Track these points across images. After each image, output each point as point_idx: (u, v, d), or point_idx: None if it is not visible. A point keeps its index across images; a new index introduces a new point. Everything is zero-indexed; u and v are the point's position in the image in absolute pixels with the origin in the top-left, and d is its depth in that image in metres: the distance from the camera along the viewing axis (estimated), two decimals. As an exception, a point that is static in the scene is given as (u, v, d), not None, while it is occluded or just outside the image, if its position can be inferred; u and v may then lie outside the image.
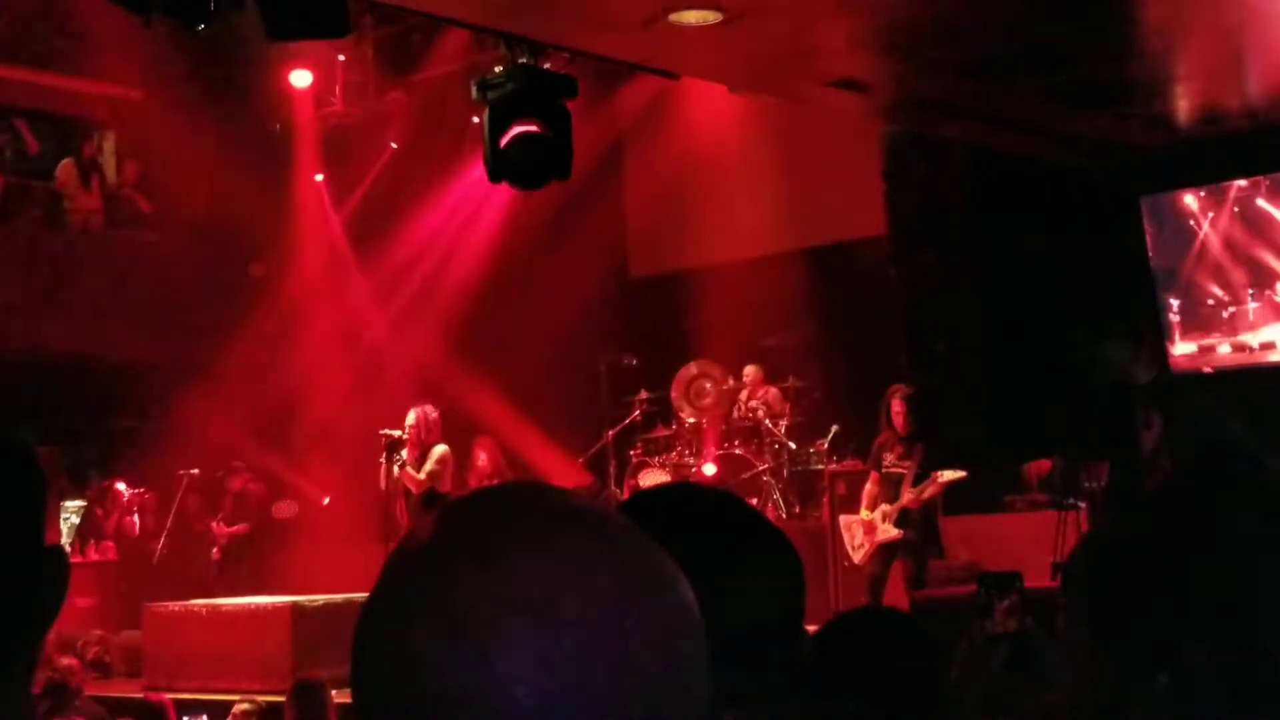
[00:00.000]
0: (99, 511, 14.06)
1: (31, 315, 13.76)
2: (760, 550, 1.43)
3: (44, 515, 1.12)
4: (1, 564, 1.06)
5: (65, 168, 15.10)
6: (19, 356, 12.97)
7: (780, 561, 1.44)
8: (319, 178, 14.87)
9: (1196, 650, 2.32)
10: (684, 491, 1.55)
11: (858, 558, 9.66)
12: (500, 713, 0.81)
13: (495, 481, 10.57)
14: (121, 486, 14.17)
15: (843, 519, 9.90)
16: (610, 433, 12.67)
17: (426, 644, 0.83)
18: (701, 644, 0.88)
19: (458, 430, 11.10)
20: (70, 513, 14.09)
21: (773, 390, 12.23)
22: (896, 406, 9.27)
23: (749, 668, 1.36)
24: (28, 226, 14.86)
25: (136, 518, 14.08)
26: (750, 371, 12.24)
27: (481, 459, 11.65)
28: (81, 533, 13.72)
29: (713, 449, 12.09)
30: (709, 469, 11.74)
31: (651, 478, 11.89)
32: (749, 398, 12.18)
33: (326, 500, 13.85)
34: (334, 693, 7.22)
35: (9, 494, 1.09)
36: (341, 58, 14.03)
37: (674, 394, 12.55)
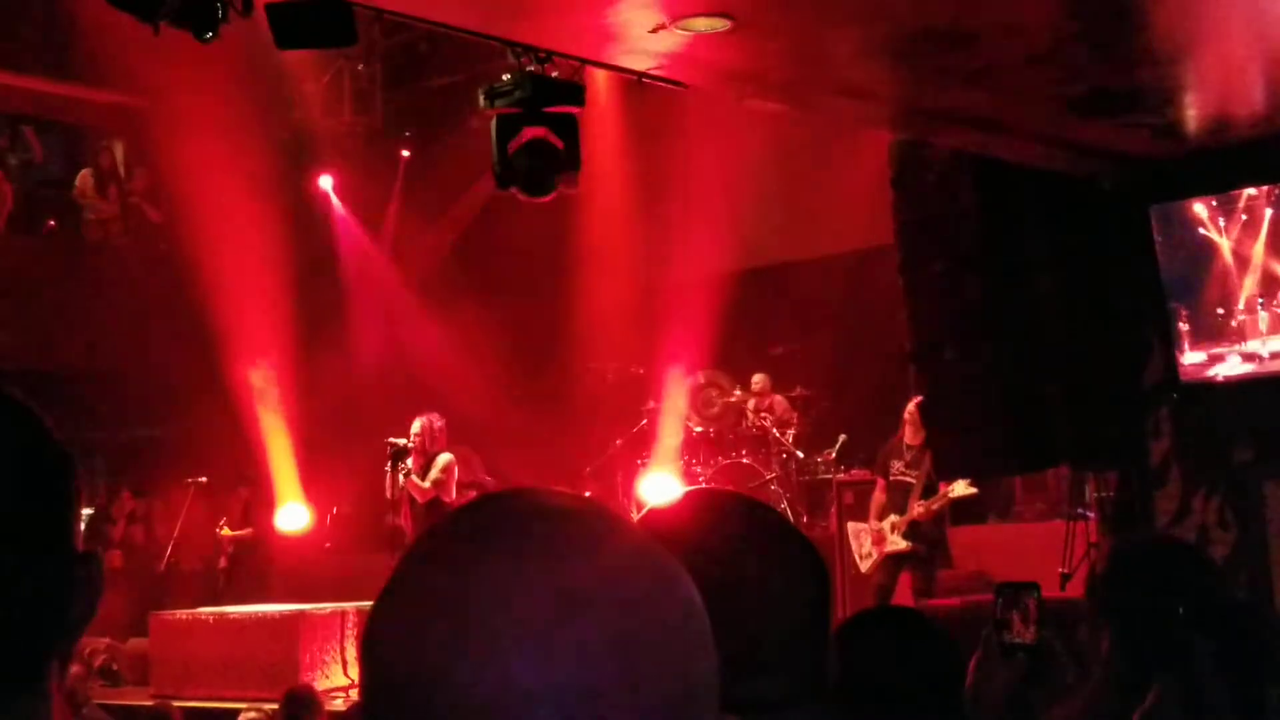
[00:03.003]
0: (104, 519, 14.07)
1: (41, 324, 13.78)
2: (784, 556, 1.42)
3: (76, 519, 1.12)
4: (31, 568, 1.05)
5: (84, 178, 15.13)
6: (28, 365, 12.98)
7: (804, 567, 1.43)
8: (327, 182, 14.88)
9: (1204, 653, 2.30)
10: (707, 498, 1.53)
11: (865, 567, 9.64)
12: (508, 707, 0.81)
13: (472, 491, 10.53)
14: (127, 495, 14.18)
15: (851, 526, 9.89)
16: (618, 441, 12.66)
17: (435, 643, 0.83)
18: (709, 647, 0.88)
19: (465, 439, 11.09)
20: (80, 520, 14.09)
21: (780, 399, 12.21)
22: (910, 409, 9.26)
23: (772, 673, 1.35)
24: (40, 236, 14.90)
25: (142, 526, 14.09)
26: (758, 380, 12.23)
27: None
28: (88, 542, 13.72)
29: (719, 459, 12.07)
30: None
31: (658, 488, 11.87)
32: (757, 407, 12.16)
33: (334, 510, 13.85)
34: (338, 702, 7.22)
35: (42, 496, 1.08)
36: (363, 63, 14.05)
37: (682, 403, 12.54)
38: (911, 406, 9.24)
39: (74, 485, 1.12)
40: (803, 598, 1.41)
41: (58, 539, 1.08)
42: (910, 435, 9.34)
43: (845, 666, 2.29)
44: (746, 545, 1.39)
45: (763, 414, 12.08)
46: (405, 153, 14.79)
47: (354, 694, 8.65)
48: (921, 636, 2.38)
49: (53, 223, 15.23)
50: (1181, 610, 2.39)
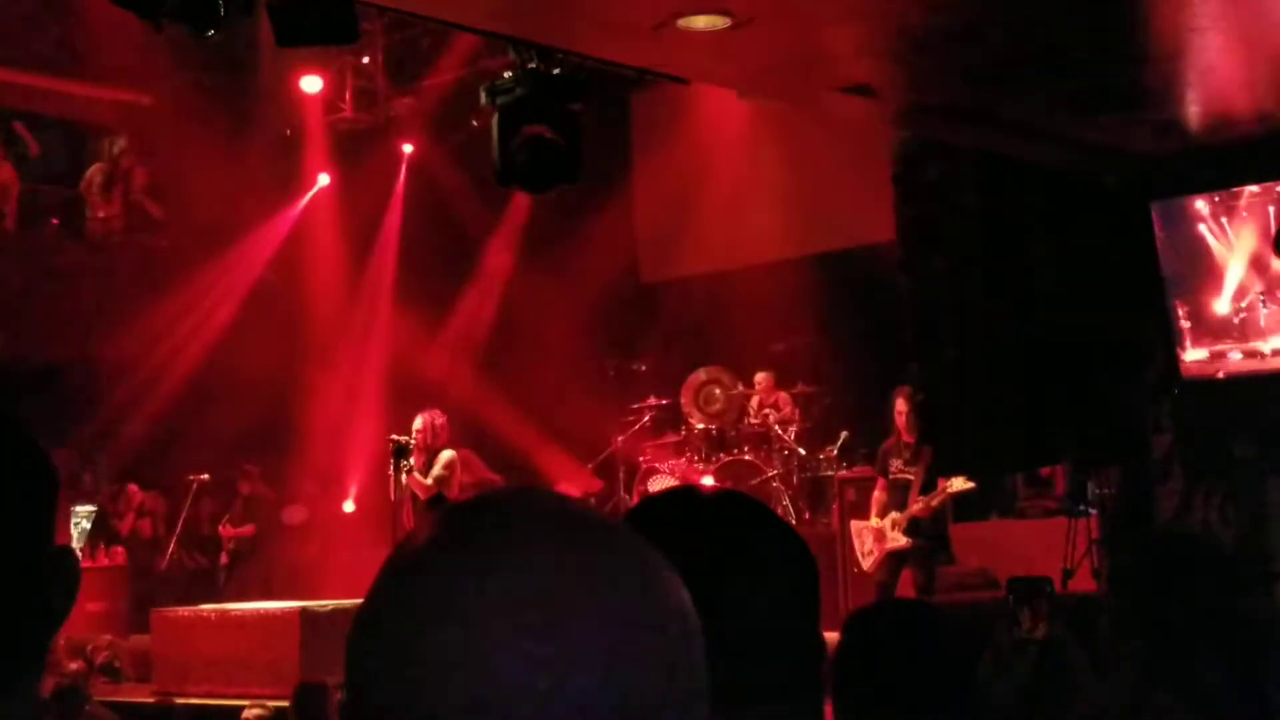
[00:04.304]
0: (112, 514, 14.08)
1: (43, 320, 13.79)
2: (768, 546, 1.42)
3: (52, 514, 1.11)
4: (7, 564, 1.05)
5: (93, 173, 15.13)
6: (29, 361, 12.99)
7: (789, 556, 1.43)
8: (324, 179, 14.88)
9: (1204, 653, 2.30)
10: (691, 493, 1.54)
11: (866, 565, 9.63)
12: (494, 707, 0.81)
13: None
14: (134, 488, 14.20)
15: (853, 524, 9.88)
16: (619, 439, 12.66)
17: (423, 645, 0.82)
18: (698, 646, 0.88)
19: (467, 437, 11.10)
20: (81, 517, 14.11)
21: (783, 396, 12.20)
22: (900, 406, 9.27)
23: (763, 663, 1.35)
24: (42, 232, 14.91)
25: (149, 520, 14.11)
26: (761, 378, 12.22)
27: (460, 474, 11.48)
28: (92, 537, 13.74)
29: (720, 456, 12.06)
30: (706, 481, 11.68)
31: (660, 484, 11.87)
32: (759, 404, 12.16)
33: (350, 508, 13.83)
34: (339, 695, 7.22)
35: (14, 491, 1.07)
36: (366, 60, 14.04)
37: (683, 400, 12.53)
38: (901, 403, 9.27)
39: (48, 481, 1.11)
40: (788, 587, 1.41)
41: (31, 535, 1.08)
42: (905, 433, 9.35)
43: (853, 660, 2.29)
44: (730, 537, 1.39)
45: (766, 411, 12.07)
46: (407, 148, 14.79)
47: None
48: (930, 629, 2.36)
49: (55, 220, 15.23)
50: (1185, 613, 2.38)
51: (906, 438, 9.35)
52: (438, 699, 0.81)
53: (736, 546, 1.38)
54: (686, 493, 1.52)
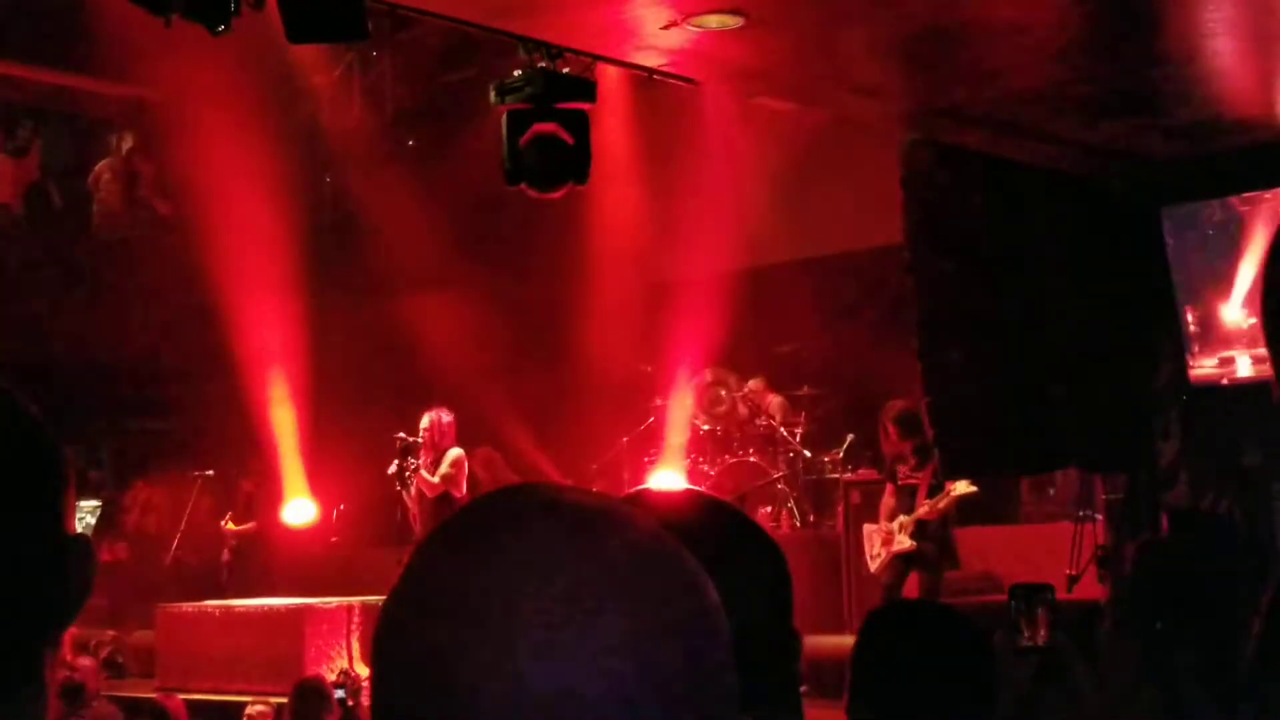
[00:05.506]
0: (120, 509, 14.10)
1: (47, 315, 13.80)
2: (745, 549, 1.41)
3: (67, 501, 1.11)
4: (26, 552, 1.04)
5: (101, 169, 15.15)
6: (34, 357, 13.00)
7: (764, 557, 1.41)
8: (327, 180, 14.91)
9: (1184, 655, 2.29)
10: (664, 497, 1.53)
11: (873, 567, 9.64)
12: (521, 706, 0.80)
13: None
14: (141, 484, 14.24)
15: (865, 527, 9.87)
16: (624, 439, 12.65)
17: (449, 639, 0.81)
18: (725, 644, 0.87)
19: (472, 435, 11.09)
20: (85, 513, 14.11)
21: (776, 399, 12.20)
22: (891, 430, 9.33)
23: (748, 668, 1.34)
24: (47, 227, 14.93)
25: (155, 516, 14.14)
26: (754, 382, 12.22)
27: (481, 474, 11.56)
28: (96, 533, 13.74)
29: (725, 457, 12.05)
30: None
31: (662, 485, 11.85)
32: (756, 408, 12.15)
33: (341, 505, 13.85)
34: (338, 692, 7.24)
35: (33, 478, 1.07)
36: (374, 55, 14.05)
37: (688, 401, 12.52)
38: (890, 428, 9.31)
39: (63, 470, 1.11)
40: (766, 592, 1.39)
41: (47, 524, 1.07)
42: (905, 440, 9.36)
43: (871, 660, 2.27)
44: (709, 540, 1.38)
45: (770, 412, 12.06)
46: (410, 143, 14.80)
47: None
48: (950, 631, 2.33)
49: (62, 216, 15.25)
50: (1160, 624, 2.38)
51: (906, 442, 9.37)
52: (466, 700, 0.80)
53: (714, 551, 1.37)
54: (661, 497, 1.50)
